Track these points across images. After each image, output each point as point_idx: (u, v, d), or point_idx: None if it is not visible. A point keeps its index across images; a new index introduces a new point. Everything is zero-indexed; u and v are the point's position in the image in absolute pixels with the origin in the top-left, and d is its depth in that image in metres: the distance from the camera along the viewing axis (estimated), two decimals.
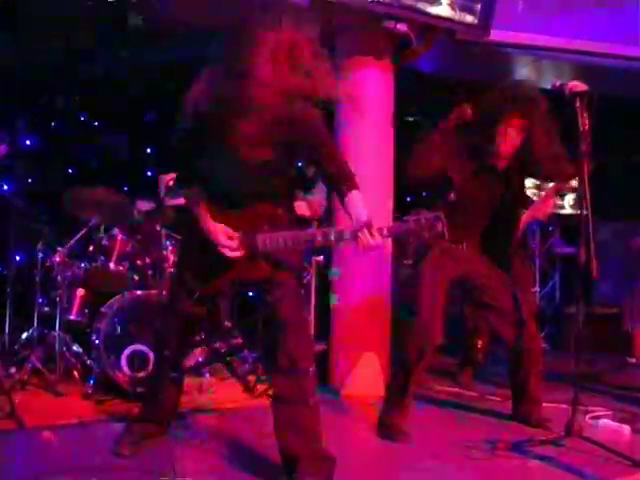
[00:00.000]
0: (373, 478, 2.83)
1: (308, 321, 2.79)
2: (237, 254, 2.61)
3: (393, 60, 4.38)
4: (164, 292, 3.97)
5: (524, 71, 5.23)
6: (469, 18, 4.16)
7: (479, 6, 4.13)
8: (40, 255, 4.22)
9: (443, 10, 4.08)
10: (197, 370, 3.85)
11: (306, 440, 2.55)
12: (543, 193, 4.27)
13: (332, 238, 2.50)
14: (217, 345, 4.06)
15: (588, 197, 3.12)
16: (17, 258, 4.31)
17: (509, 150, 3.40)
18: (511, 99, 3.30)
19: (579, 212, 3.14)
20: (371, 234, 2.38)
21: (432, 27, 4.17)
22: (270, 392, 3.89)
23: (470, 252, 3.47)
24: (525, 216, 4.46)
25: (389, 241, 4.41)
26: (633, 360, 5.49)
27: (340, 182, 2.62)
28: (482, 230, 3.51)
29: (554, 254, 6.39)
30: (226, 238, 2.61)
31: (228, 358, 3.68)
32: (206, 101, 2.54)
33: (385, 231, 2.44)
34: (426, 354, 3.31)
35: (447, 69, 5.44)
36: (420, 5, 3.99)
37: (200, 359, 3.86)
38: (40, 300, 4.23)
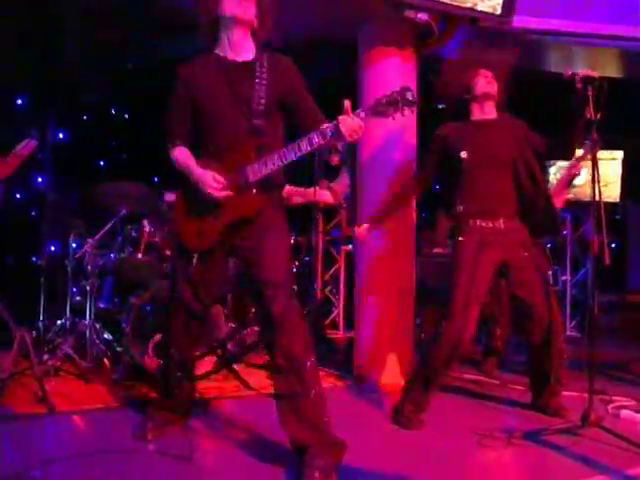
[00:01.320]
0: (384, 464, 2.87)
1: (302, 314, 2.78)
2: (226, 192, 2.70)
3: (416, 49, 4.37)
4: None
5: (554, 57, 5.16)
6: (492, 5, 4.11)
7: None
8: (72, 246, 4.38)
9: None
10: (208, 376, 3.95)
11: (312, 430, 2.59)
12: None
13: (316, 139, 2.58)
14: (223, 350, 4.12)
15: (599, 184, 3.11)
16: (52, 249, 4.44)
17: None
18: None
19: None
20: (350, 117, 2.53)
21: (454, 15, 4.14)
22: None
23: (508, 234, 3.40)
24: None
25: (412, 230, 4.43)
26: None
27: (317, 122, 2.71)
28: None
29: (586, 241, 6.30)
30: (212, 179, 2.69)
31: (233, 364, 3.78)
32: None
33: (362, 113, 2.56)
34: (457, 355, 3.31)
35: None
36: None
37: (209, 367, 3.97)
38: (73, 290, 4.38)
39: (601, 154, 4.38)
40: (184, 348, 3.02)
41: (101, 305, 4.31)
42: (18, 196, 5.22)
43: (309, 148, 2.61)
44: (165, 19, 4.91)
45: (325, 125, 2.60)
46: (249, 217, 2.72)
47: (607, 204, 5.79)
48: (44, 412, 3.32)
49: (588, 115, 3.07)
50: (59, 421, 3.27)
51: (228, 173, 2.71)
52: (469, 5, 4.06)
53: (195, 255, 2.78)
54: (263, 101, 2.74)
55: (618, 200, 5.71)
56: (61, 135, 5.20)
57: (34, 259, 4.95)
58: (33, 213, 5.09)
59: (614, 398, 3.80)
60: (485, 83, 3.44)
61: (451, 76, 3.51)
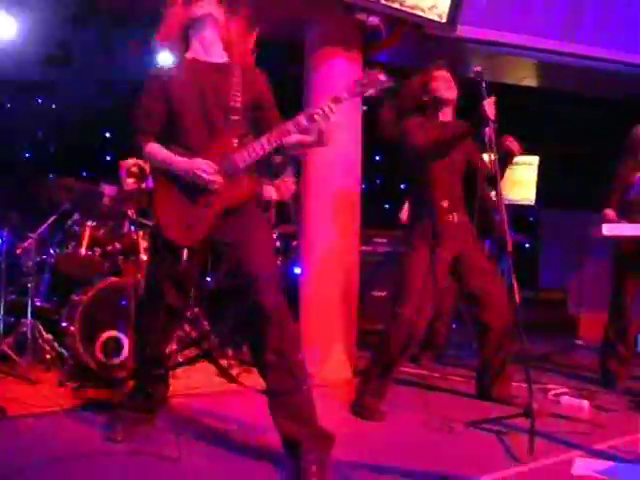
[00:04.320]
0: (360, 455, 2.93)
1: (289, 307, 2.79)
2: (220, 179, 2.67)
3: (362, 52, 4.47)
4: (137, 278, 3.96)
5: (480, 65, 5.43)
6: (438, 13, 4.28)
7: (448, 2, 4.27)
8: (6, 241, 4.14)
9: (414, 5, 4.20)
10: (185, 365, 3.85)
11: (305, 425, 2.61)
12: None
13: (304, 122, 2.61)
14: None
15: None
16: None
17: None
18: None
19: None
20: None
21: (402, 21, 4.27)
22: (241, 375, 4.00)
23: (461, 226, 3.56)
24: None
25: (357, 224, 4.53)
26: (580, 342, 5.82)
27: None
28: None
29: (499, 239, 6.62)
30: (206, 164, 2.66)
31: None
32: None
33: (345, 94, 2.60)
34: (410, 347, 3.43)
35: (405, 60, 5.59)
36: None
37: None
38: (6, 287, 4.14)
39: (518, 159, 4.68)
40: (160, 346, 2.95)
41: (38, 303, 4.10)
42: None
43: (297, 129, 2.63)
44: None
45: (315, 110, 2.62)
46: (242, 203, 2.71)
47: (523, 206, 6.22)
48: None
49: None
50: (14, 426, 3.10)
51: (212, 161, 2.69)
52: (417, 12, 4.21)
53: (185, 250, 2.70)
54: (239, 99, 2.78)
55: (533, 203, 6.05)
56: None
57: None
58: None
59: (549, 386, 4.06)
60: (446, 88, 3.58)
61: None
